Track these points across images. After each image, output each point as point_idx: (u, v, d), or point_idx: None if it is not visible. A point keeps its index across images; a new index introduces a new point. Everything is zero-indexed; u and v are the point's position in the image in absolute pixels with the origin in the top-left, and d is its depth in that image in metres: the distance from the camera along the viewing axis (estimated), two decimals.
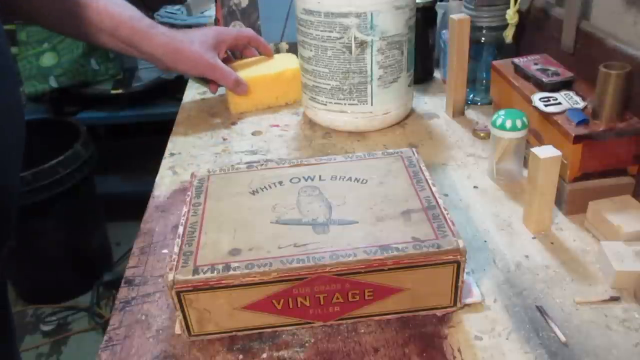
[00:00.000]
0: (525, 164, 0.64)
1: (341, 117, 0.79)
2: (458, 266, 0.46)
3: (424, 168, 0.57)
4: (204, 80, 0.90)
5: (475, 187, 0.67)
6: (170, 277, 0.45)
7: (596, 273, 0.53)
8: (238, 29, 0.86)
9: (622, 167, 0.60)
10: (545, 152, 0.54)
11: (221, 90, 0.95)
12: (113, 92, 1.80)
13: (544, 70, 0.68)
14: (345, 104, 0.78)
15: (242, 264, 0.45)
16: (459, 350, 0.46)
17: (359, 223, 0.49)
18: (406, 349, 0.46)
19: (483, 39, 0.82)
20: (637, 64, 0.58)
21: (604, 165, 0.59)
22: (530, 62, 0.71)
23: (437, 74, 0.97)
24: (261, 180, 0.57)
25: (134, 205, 0.93)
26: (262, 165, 0.60)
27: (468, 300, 0.50)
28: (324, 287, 0.46)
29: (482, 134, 0.77)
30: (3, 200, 0.59)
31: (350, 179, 0.56)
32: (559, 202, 0.60)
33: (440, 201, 0.51)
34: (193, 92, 0.98)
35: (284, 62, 0.91)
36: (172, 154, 0.79)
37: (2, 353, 0.71)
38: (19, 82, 0.64)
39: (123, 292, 0.54)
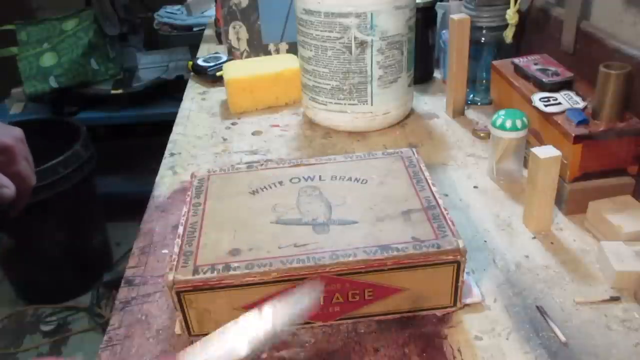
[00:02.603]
0: (525, 164, 0.64)
1: (341, 117, 0.79)
2: (458, 266, 0.46)
3: (424, 168, 0.57)
4: None
5: (475, 187, 0.67)
6: (170, 277, 0.45)
7: (596, 273, 0.53)
8: None
9: (622, 167, 0.60)
10: (545, 152, 0.54)
11: (221, 91, 0.95)
12: (113, 92, 1.80)
13: (544, 70, 0.68)
14: (345, 104, 0.78)
15: (242, 264, 0.45)
16: (459, 350, 0.46)
17: (359, 223, 0.49)
18: (406, 349, 0.46)
19: (483, 39, 0.82)
20: (637, 63, 0.58)
21: (604, 165, 0.59)
22: (530, 62, 0.71)
23: (437, 74, 0.97)
24: (261, 181, 0.57)
25: (134, 205, 0.93)
26: (262, 165, 0.60)
27: (468, 300, 0.50)
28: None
29: (482, 134, 0.77)
30: None
31: (350, 179, 0.56)
32: (559, 202, 0.60)
33: (440, 201, 0.51)
34: (193, 92, 0.98)
35: (284, 62, 0.91)
36: (172, 154, 0.79)
37: None
38: None
39: (123, 292, 0.54)
